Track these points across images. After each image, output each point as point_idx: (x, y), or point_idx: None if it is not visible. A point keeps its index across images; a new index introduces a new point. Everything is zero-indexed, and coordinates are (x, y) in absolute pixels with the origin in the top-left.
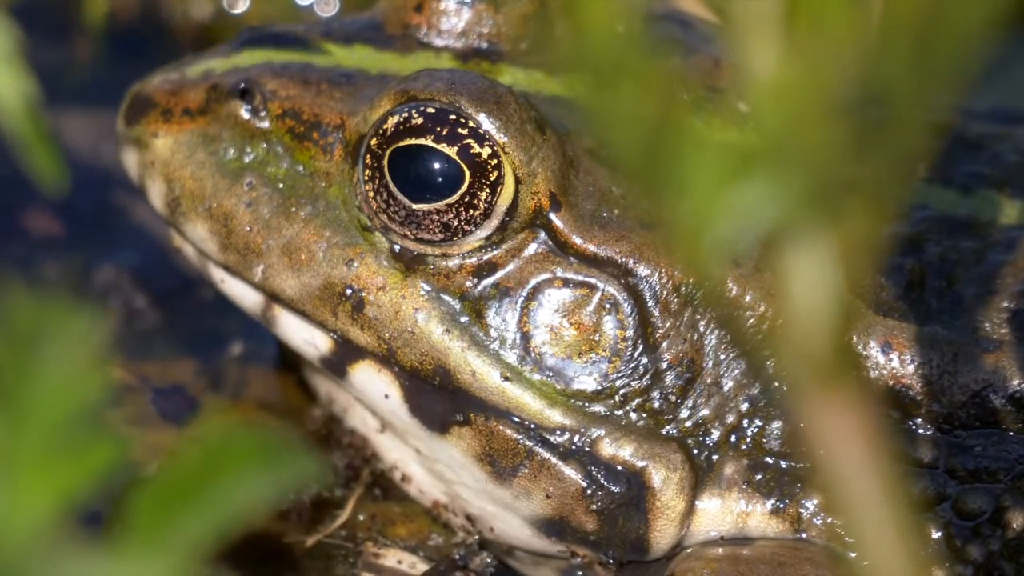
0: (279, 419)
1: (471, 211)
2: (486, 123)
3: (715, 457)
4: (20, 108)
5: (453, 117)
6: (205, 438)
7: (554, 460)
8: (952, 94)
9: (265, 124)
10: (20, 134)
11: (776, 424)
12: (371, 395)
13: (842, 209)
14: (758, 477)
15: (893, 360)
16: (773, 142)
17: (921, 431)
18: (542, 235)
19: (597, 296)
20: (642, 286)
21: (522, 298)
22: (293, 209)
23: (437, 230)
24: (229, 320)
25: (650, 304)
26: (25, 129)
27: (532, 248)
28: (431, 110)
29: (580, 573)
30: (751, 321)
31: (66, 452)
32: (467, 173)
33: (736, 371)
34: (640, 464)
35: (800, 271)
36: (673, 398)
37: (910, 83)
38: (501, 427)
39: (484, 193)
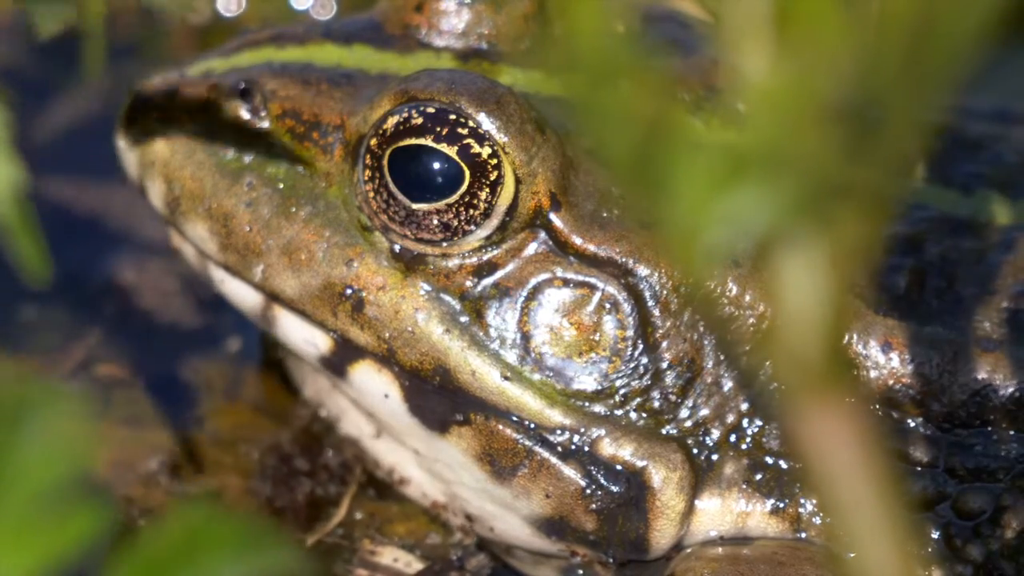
0: (271, 419)
1: (471, 211)
2: (486, 123)
3: (715, 457)
4: (8, 197)
5: (453, 117)
6: (186, 515)
7: (554, 460)
8: (946, 95)
9: (265, 124)
10: (7, 224)
11: (776, 424)
12: (371, 395)
13: (837, 211)
14: (758, 477)
15: (893, 359)
16: (768, 144)
17: (921, 430)
18: (542, 235)
19: (597, 296)
20: (642, 286)
21: (522, 298)
22: (293, 209)
23: (437, 230)
24: (223, 320)
25: (650, 304)
26: (11, 218)
27: (532, 248)
28: (431, 110)
29: (580, 573)
30: (751, 321)
31: (49, 519)
32: (467, 173)
33: (736, 371)
34: (640, 464)
35: (794, 274)
36: (673, 398)
37: (904, 85)
38: (501, 427)
39: (484, 193)
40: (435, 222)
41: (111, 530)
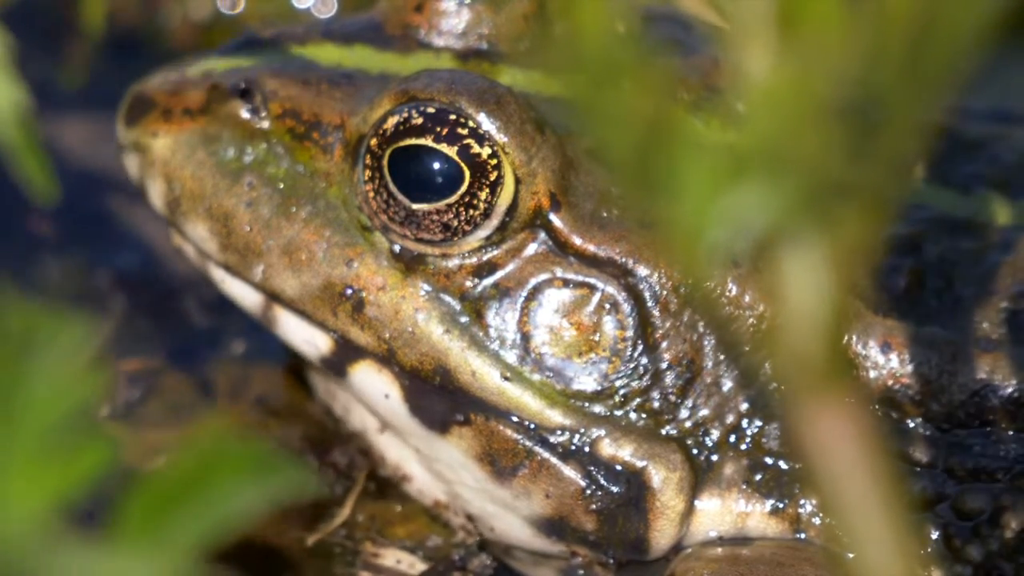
0: (280, 418)
1: (471, 211)
2: (486, 123)
3: (715, 457)
4: (11, 117)
5: (453, 117)
6: (199, 444)
7: (554, 460)
8: (947, 96)
9: (265, 124)
10: (11, 144)
11: (776, 424)
12: (371, 395)
13: (838, 211)
14: (758, 477)
15: (892, 360)
16: (768, 144)
17: (920, 431)
18: (542, 235)
19: (597, 296)
20: (642, 286)
21: (522, 298)
22: (293, 209)
23: (437, 230)
24: (230, 319)
25: (650, 304)
26: (16, 139)
27: (532, 248)
28: (431, 110)
29: (580, 573)
30: (751, 321)
31: (58, 453)
32: (467, 173)
33: (736, 371)
34: (640, 464)
35: (795, 274)
36: (673, 398)
37: (905, 85)
38: (501, 427)
39: (484, 193)
40: (435, 222)
41: (118, 467)
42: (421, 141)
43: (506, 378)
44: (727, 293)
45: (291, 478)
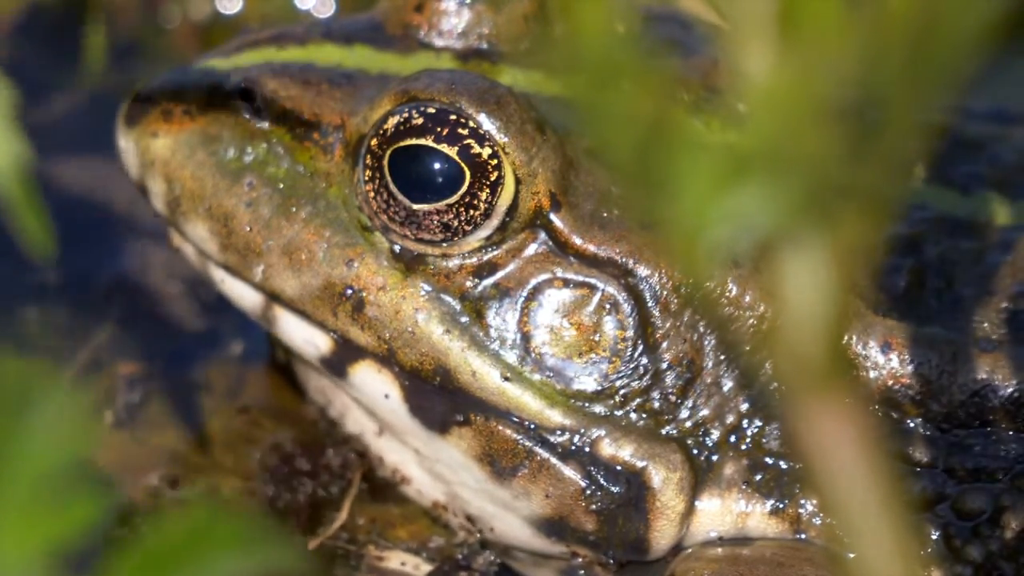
0: (274, 420)
1: (471, 211)
2: (486, 123)
3: (715, 457)
4: (12, 172)
5: (453, 117)
6: (188, 514)
7: (554, 460)
8: (948, 96)
9: (265, 124)
10: (10, 198)
11: (776, 424)
12: (371, 395)
13: (838, 211)
14: (758, 477)
15: (892, 360)
16: (769, 145)
17: (920, 431)
18: (542, 235)
19: (597, 296)
20: (642, 286)
21: (522, 298)
22: (293, 209)
23: (437, 230)
24: (226, 321)
25: (650, 304)
26: (15, 194)
27: (532, 248)
28: (431, 110)
29: (580, 573)
30: (751, 321)
31: (52, 504)
32: (467, 173)
33: (736, 371)
34: (640, 464)
35: (796, 274)
36: (673, 398)
37: (905, 85)
38: (501, 427)
39: (484, 193)
40: (435, 222)
41: (112, 517)
42: (422, 141)
43: (506, 378)
44: (727, 293)
45: (279, 554)
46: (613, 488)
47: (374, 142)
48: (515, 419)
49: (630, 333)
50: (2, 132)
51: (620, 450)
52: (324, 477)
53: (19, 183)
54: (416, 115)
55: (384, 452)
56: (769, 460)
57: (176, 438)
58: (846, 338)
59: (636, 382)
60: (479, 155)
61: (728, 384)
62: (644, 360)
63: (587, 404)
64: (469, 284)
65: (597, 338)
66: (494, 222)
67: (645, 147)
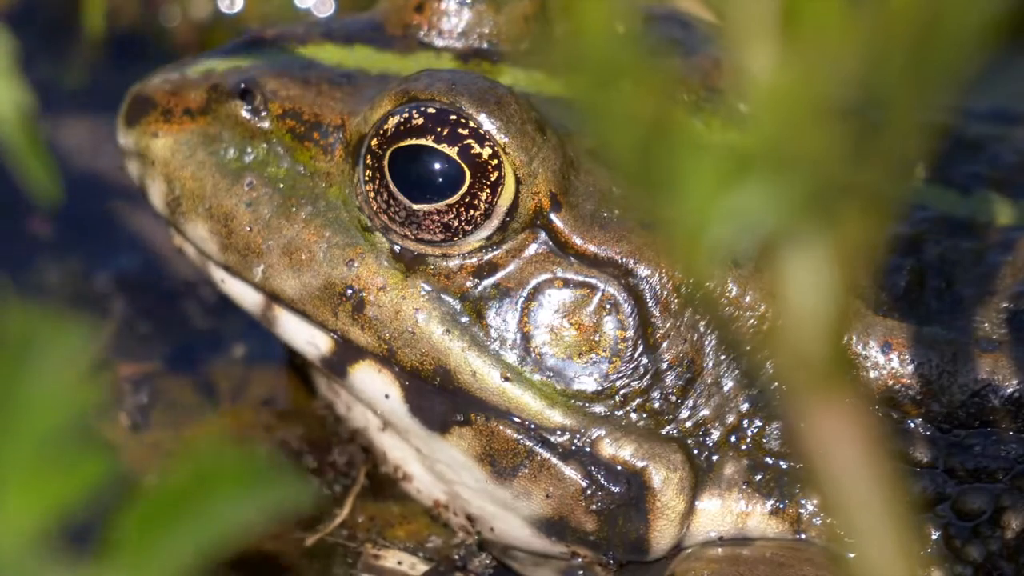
0: (280, 419)
1: (472, 211)
2: (487, 123)
3: (715, 457)
4: (15, 119)
5: (454, 117)
6: (194, 455)
7: (554, 460)
8: (949, 96)
9: (265, 124)
10: (14, 145)
11: (776, 424)
12: (371, 395)
13: (839, 211)
14: (758, 477)
15: (892, 360)
16: (771, 144)
17: (920, 431)
18: (542, 235)
19: (597, 296)
20: (642, 286)
21: (522, 298)
22: (293, 209)
23: (438, 230)
24: (230, 321)
25: (650, 304)
26: (19, 140)
27: (532, 248)
28: (432, 110)
29: (580, 573)
30: (751, 321)
31: (55, 465)
32: (468, 173)
33: (736, 371)
34: (640, 464)
35: (797, 274)
36: (673, 398)
37: (907, 85)
38: (501, 427)
39: (485, 193)
40: (435, 222)
41: (117, 477)
42: (422, 141)
43: (506, 378)
44: (728, 293)
45: (288, 488)
46: (613, 488)
47: (374, 142)
48: (515, 419)
49: (630, 333)
50: (3, 80)
51: (620, 450)
52: (330, 475)
53: (22, 129)
54: (416, 115)
55: (387, 448)
56: (769, 460)
57: (180, 438)
58: (847, 338)
59: (636, 382)
60: (479, 155)
61: (728, 384)
62: (644, 360)
63: (587, 404)
64: (469, 284)
65: (597, 338)
66: (494, 222)
67: (646, 147)
